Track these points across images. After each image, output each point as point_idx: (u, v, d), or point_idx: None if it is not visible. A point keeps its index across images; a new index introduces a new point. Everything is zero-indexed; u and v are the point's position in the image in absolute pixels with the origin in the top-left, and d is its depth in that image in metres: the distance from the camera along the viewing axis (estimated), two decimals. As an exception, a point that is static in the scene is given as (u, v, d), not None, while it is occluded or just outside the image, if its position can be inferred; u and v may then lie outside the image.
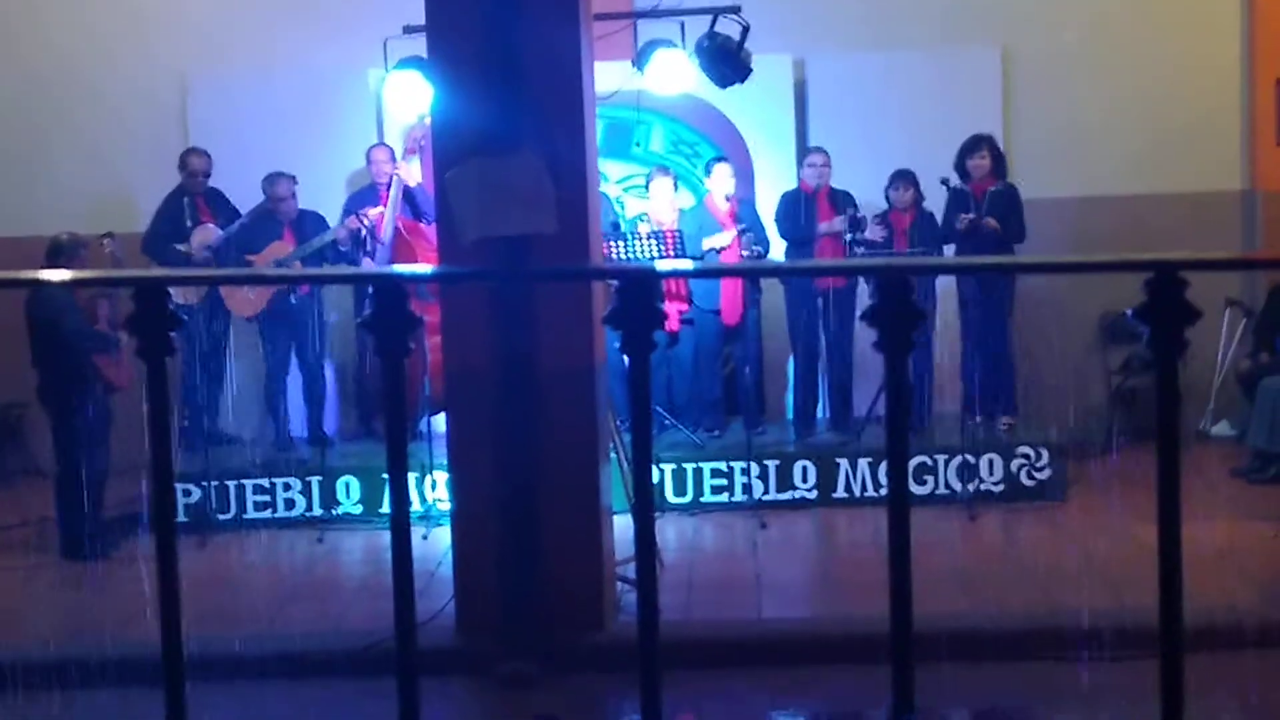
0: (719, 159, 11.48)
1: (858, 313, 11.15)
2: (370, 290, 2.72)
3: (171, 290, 2.74)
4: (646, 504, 2.62)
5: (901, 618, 2.41)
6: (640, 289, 2.47)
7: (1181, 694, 2.41)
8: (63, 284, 9.40)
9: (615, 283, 2.88)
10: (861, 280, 11.05)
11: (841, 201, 11.20)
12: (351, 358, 11.92)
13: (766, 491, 10.61)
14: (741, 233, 11.00)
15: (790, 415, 11.72)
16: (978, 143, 11.24)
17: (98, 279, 8.50)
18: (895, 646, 2.44)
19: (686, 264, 10.72)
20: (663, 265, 8.59)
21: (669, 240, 10.74)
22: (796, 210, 11.23)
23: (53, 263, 9.52)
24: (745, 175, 11.83)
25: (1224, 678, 6.89)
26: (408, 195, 11.32)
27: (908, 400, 2.48)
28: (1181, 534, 2.49)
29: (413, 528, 2.87)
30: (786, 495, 10.61)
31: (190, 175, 11.39)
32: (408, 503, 2.66)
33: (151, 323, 2.53)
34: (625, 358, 2.54)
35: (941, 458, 10.52)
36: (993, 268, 9.53)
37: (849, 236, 10.92)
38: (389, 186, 11.35)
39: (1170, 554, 2.40)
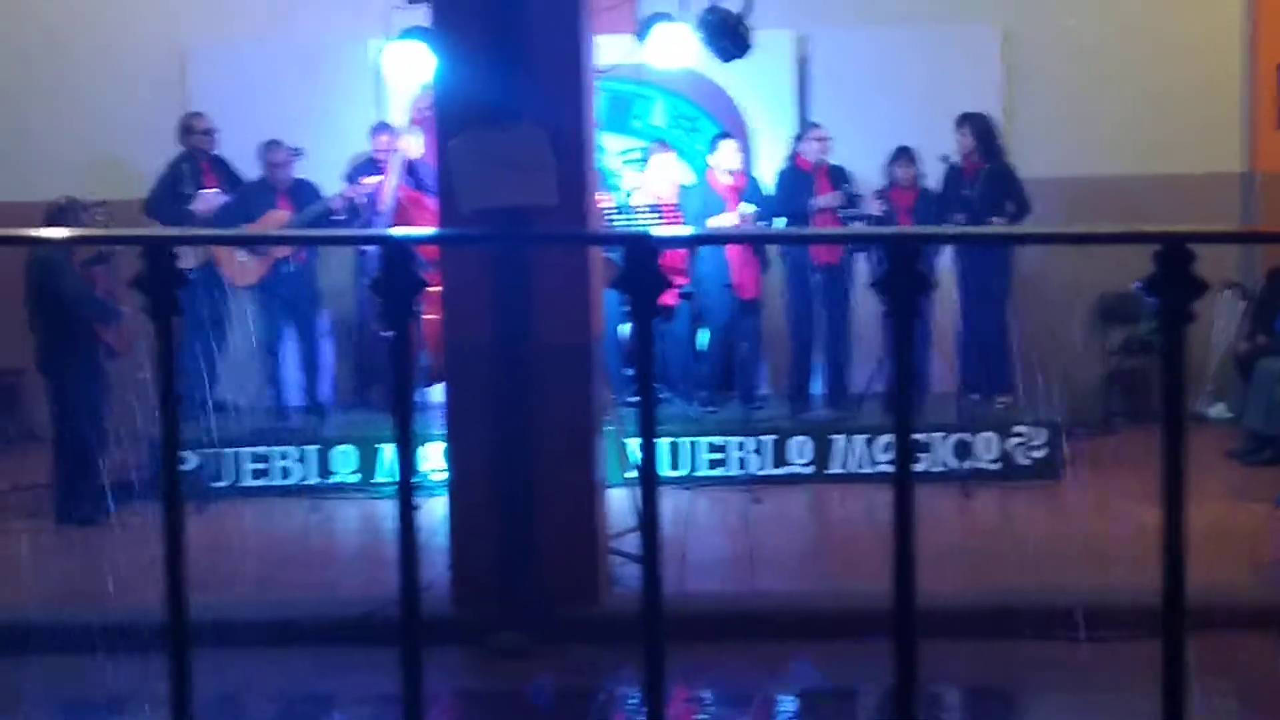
0: (724, 135, 11.45)
1: (853, 289, 11.15)
2: (375, 255, 2.72)
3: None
4: (650, 460, 2.62)
5: (904, 592, 2.41)
6: (646, 252, 2.48)
7: (1183, 674, 2.41)
8: (68, 245, 9.39)
9: (613, 254, 2.88)
10: (859, 257, 11.04)
11: (838, 178, 11.19)
12: (348, 327, 11.89)
13: (762, 466, 10.61)
14: (751, 217, 10.94)
15: (788, 390, 11.71)
16: (961, 121, 11.23)
17: (104, 237, 8.46)
18: (898, 624, 2.45)
19: (688, 229, 10.68)
20: (663, 231, 8.56)
21: (667, 214, 10.72)
22: (793, 187, 11.21)
23: (54, 226, 9.47)
24: (745, 151, 11.80)
25: (1218, 659, 6.91)
26: (410, 168, 11.28)
27: (912, 370, 2.48)
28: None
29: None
30: (782, 470, 10.62)
31: (195, 135, 11.35)
32: (413, 460, 2.66)
33: (159, 281, 2.52)
34: (628, 326, 2.54)
35: (938, 435, 10.51)
36: (1003, 238, 9.49)
37: (843, 213, 10.93)
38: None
39: (1173, 519, 2.40)
